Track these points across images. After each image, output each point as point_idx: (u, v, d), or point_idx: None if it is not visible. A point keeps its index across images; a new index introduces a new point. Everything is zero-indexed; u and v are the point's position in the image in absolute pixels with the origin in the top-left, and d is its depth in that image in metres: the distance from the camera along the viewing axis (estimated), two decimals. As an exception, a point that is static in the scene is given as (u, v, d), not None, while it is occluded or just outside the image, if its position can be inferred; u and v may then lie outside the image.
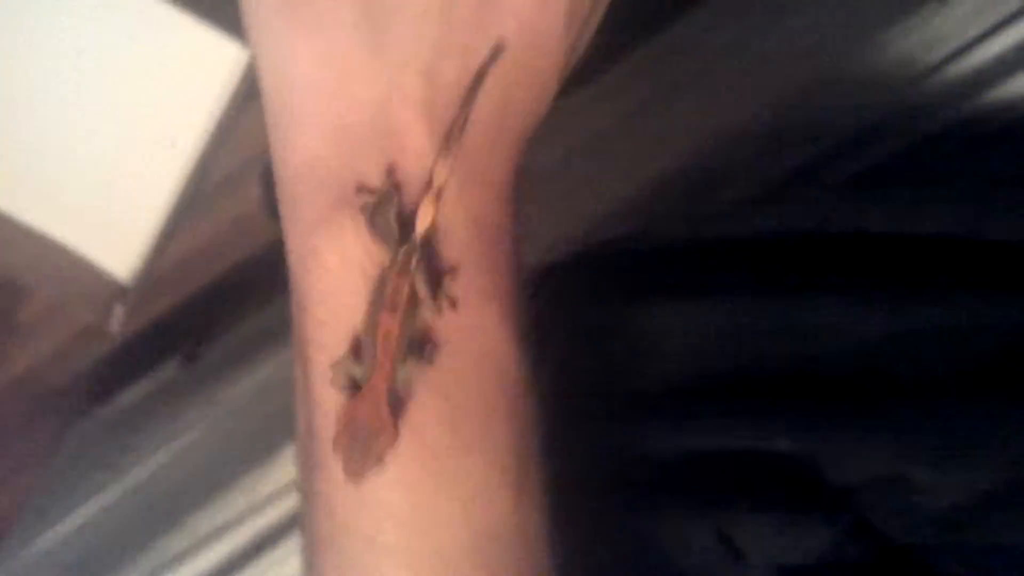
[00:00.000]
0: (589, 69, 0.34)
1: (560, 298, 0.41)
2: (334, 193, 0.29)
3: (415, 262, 0.27)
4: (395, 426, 0.27)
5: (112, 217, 0.51)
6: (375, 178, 0.29)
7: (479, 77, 0.28)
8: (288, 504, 0.45)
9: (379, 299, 0.27)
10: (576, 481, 0.38)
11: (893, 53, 0.42)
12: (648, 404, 0.41)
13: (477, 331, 0.29)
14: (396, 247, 0.27)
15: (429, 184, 0.28)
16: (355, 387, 0.28)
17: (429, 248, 0.28)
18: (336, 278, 0.29)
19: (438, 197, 0.28)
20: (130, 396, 0.54)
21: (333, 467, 0.28)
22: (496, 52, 0.29)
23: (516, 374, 0.30)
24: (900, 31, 0.42)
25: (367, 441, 0.27)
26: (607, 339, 0.42)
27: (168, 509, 0.48)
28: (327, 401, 0.28)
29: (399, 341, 0.27)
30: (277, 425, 0.47)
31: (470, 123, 0.29)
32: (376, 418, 0.27)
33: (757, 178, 0.42)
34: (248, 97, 0.50)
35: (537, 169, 0.32)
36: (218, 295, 0.53)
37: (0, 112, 0.49)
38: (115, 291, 0.52)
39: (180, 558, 0.46)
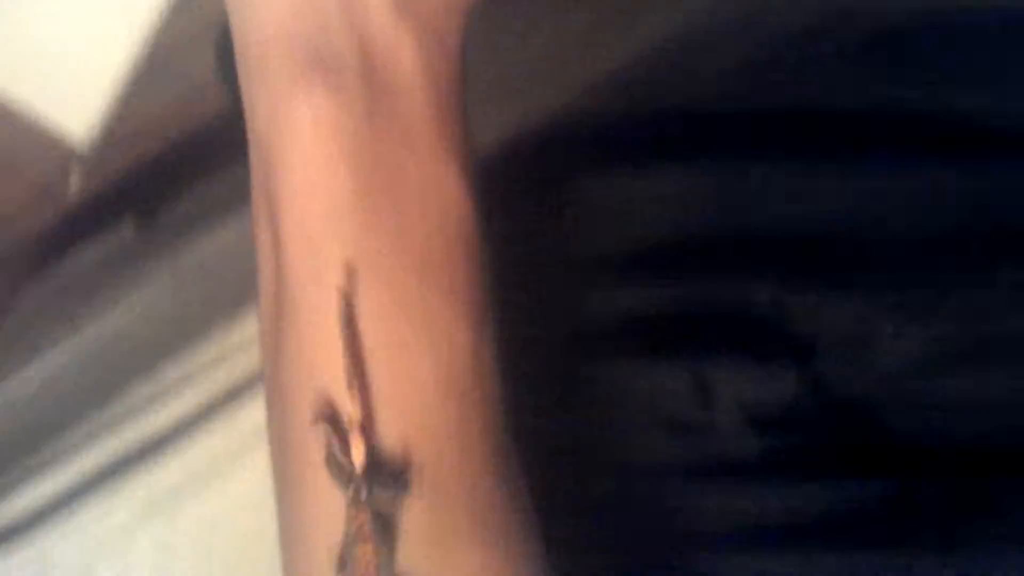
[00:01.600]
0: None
1: (533, 167, 0.44)
2: (304, 60, 0.31)
3: (363, 496, 0.29)
4: None
5: (67, 79, 0.52)
6: (343, 49, 0.31)
7: (348, 305, 0.31)
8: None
9: (349, 533, 0.30)
10: (550, 339, 0.41)
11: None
12: (625, 264, 0.44)
13: (439, 181, 0.32)
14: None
15: (352, 423, 0.30)
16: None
17: (371, 479, 0.30)
18: (310, 140, 0.31)
19: (362, 430, 0.30)
20: (85, 258, 0.55)
21: None
22: (351, 275, 0.31)
23: (472, 223, 0.33)
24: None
25: None
26: (581, 205, 0.45)
27: (133, 360, 0.49)
28: None
29: (378, 566, 0.30)
30: (243, 284, 0.49)
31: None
32: None
33: (733, 51, 0.45)
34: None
35: (506, 40, 0.34)
36: (172, 161, 0.54)
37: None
38: (70, 154, 0.53)
39: (149, 404, 0.48)
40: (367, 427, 0.30)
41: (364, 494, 0.29)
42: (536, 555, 0.33)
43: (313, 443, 0.31)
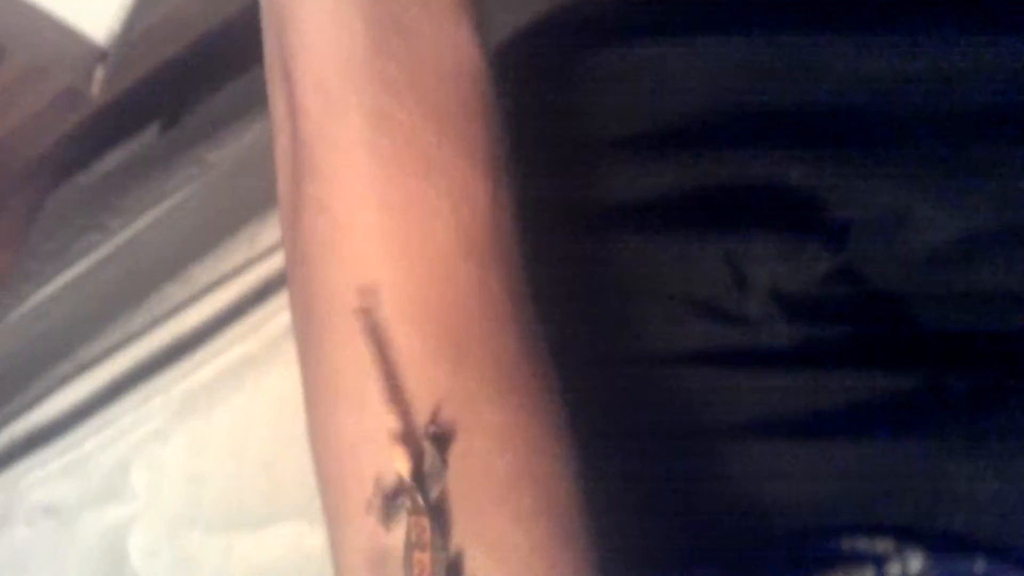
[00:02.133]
0: None
1: (557, 44, 0.43)
2: None
3: (419, 502, 0.30)
4: None
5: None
6: None
7: (372, 322, 0.30)
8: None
9: (408, 540, 0.30)
10: (575, 219, 0.40)
11: None
12: (652, 141, 0.43)
13: (453, 38, 0.32)
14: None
15: (395, 437, 0.30)
16: None
17: (420, 489, 0.30)
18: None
19: (405, 442, 0.30)
20: (111, 161, 0.55)
21: None
22: (370, 294, 0.31)
23: (485, 81, 0.33)
24: None
25: None
26: (607, 81, 0.44)
27: (164, 262, 0.49)
28: None
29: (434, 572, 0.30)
30: (272, 182, 0.48)
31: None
32: None
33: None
34: None
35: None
36: (195, 60, 0.54)
37: None
38: (94, 54, 0.52)
39: (181, 307, 0.48)
40: (409, 439, 0.30)
41: (419, 501, 0.30)
42: (559, 414, 0.33)
43: (334, 319, 0.31)
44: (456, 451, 0.30)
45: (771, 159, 0.41)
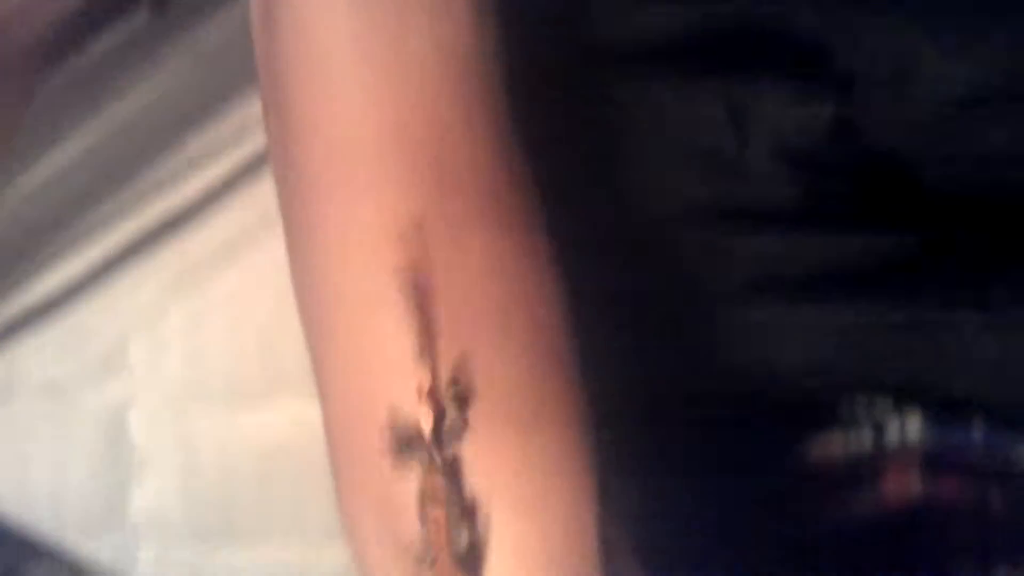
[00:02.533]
0: None
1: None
2: None
3: (435, 461, 0.30)
4: None
5: None
6: None
7: (416, 275, 0.30)
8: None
9: (423, 495, 0.30)
10: (564, 61, 0.40)
11: None
12: None
13: None
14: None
15: (419, 391, 0.30)
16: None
17: (438, 444, 0.30)
18: None
19: (429, 395, 0.30)
20: (101, 45, 0.54)
21: None
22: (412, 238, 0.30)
23: None
24: None
25: None
26: None
27: (159, 138, 0.49)
28: None
29: (448, 529, 0.30)
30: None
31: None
32: None
33: None
34: None
35: None
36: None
37: None
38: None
39: (176, 181, 0.48)
40: (435, 396, 0.30)
41: (436, 458, 0.30)
42: (547, 249, 0.33)
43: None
44: (442, 278, 0.30)
45: (776, 2, 0.40)
